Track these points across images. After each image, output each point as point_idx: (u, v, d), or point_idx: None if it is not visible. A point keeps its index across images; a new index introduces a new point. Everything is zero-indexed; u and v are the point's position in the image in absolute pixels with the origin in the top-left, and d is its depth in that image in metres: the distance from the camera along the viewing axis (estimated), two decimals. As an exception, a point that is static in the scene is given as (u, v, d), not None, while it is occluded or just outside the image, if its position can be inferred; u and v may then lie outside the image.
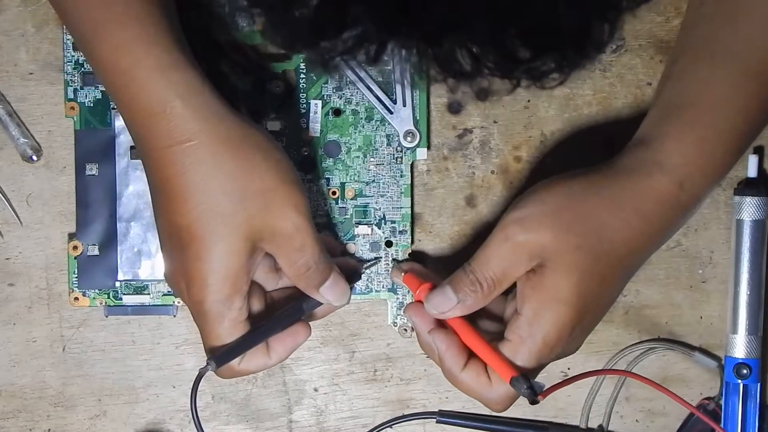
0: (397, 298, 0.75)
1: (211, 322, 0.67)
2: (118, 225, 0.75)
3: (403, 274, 0.72)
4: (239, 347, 0.67)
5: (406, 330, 0.75)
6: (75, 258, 0.75)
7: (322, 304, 0.70)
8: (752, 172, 0.75)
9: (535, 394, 0.65)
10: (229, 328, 0.67)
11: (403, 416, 0.76)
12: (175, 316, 0.76)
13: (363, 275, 0.74)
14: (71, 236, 0.76)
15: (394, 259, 0.75)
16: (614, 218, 0.66)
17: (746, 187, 0.75)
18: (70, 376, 0.76)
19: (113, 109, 0.75)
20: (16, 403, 0.76)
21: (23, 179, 0.76)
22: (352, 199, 0.75)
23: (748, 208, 0.74)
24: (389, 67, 0.75)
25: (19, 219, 0.76)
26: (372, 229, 0.75)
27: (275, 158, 0.67)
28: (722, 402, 0.75)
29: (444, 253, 0.76)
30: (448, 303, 0.68)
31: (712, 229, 0.77)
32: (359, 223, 0.75)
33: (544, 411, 0.77)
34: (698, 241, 0.77)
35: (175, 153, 0.65)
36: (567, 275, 0.66)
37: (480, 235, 0.76)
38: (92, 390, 0.76)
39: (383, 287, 0.75)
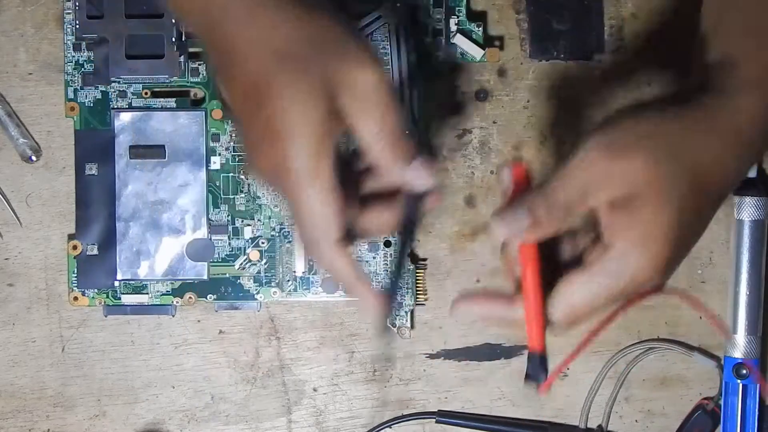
0: (396, 299, 0.75)
1: (301, 182, 0.59)
2: (117, 225, 0.75)
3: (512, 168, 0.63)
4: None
5: (405, 331, 0.75)
6: (74, 258, 0.75)
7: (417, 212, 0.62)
8: (751, 172, 0.75)
9: (535, 380, 0.61)
10: (320, 193, 0.59)
11: (403, 416, 0.77)
12: (173, 316, 0.76)
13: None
14: (71, 236, 0.76)
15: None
16: (708, 141, 0.61)
17: (746, 187, 0.75)
18: (69, 377, 0.76)
19: (113, 109, 0.75)
20: (16, 403, 0.76)
21: (23, 179, 0.76)
22: (351, 199, 0.75)
23: (748, 209, 0.74)
24: (388, 67, 0.75)
25: (18, 219, 0.76)
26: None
27: (339, 14, 0.61)
28: (721, 402, 0.75)
29: (443, 253, 0.76)
30: (520, 222, 0.61)
31: (711, 229, 0.76)
32: (358, 223, 0.75)
33: (544, 411, 0.77)
34: (698, 242, 0.76)
35: (239, 7, 0.60)
36: (663, 208, 0.60)
37: (479, 236, 0.76)
38: (91, 390, 0.77)
39: (382, 288, 0.75)
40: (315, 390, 0.77)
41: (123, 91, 0.75)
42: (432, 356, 0.77)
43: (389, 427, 0.77)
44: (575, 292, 0.61)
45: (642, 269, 0.60)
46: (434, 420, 0.76)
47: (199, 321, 0.77)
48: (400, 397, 0.77)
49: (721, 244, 0.76)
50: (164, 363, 0.77)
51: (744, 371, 0.74)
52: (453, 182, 0.76)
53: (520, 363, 0.76)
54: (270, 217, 0.75)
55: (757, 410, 0.74)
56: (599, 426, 0.77)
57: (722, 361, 0.75)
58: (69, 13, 0.75)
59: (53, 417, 0.77)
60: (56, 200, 0.76)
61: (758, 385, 0.74)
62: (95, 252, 0.75)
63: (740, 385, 0.74)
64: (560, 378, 0.77)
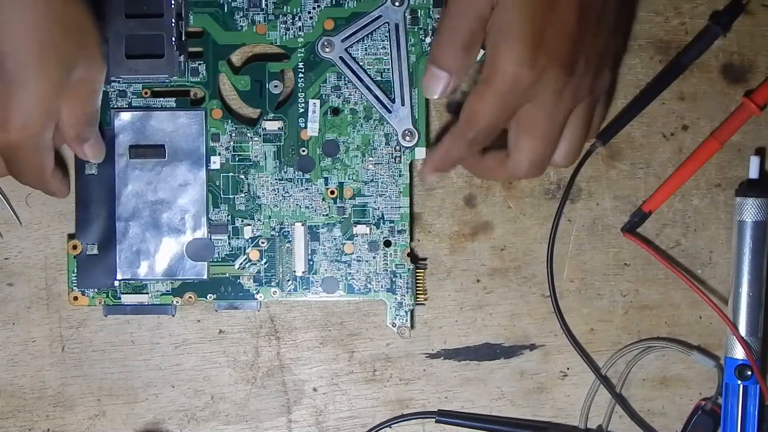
0: (396, 299, 0.75)
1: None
2: (117, 224, 0.75)
3: None
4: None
5: (404, 330, 0.75)
6: (74, 257, 0.75)
7: None
8: (754, 173, 0.74)
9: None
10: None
11: (402, 416, 0.77)
12: (173, 315, 0.76)
13: None
14: (71, 236, 0.76)
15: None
16: None
17: (748, 188, 0.74)
18: (69, 376, 0.77)
19: (113, 108, 0.75)
20: (16, 403, 0.77)
21: (22, 179, 0.76)
22: (350, 198, 0.75)
23: (750, 210, 0.74)
24: (388, 67, 0.75)
25: (18, 219, 0.76)
26: (370, 228, 0.75)
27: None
28: (721, 402, 0.75)
29: (443, 253, 0.76)
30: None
31: (711, 229, 0.76)
32: (357, 223, 0.75)
33: (544, 411, 0.77)
34: (698, 242, 0.76)
35: None
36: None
37: (480, 236, 0.76)
38: (91, 390, 0.77)
39: (382, 287, 0.75)
40: (315, 390, 0.77)
41: (123, 90, 0.75)
42: (432, 356, 0.77)
43: (389, 426, 0.77)
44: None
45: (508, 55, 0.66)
46: (434, 420, 0.76)
47: (199, 321, 0.77)
48: (399, 396, 0.77)
49: (721, 244, 0.76)
50: (164, 363, 0.77)
51: (749, 372, 0.74)
52: (453, 182, 0.76)
53: (521, 363, 0.76)
54: (270, 217, 0.75)
55: (757, 411, 0.74)
56: (599, 426, 0.77)
57: (722, 361, 0.75)
58: (68, 13, 0.75)
59: (53, 417, 0.77)
60: (56, 200, 0.76)
61: (758, 387, 0.74)
62: (95, 252, 0.75)
63: (741, 386, 0.74)
64: (560, 378, 0.77)
